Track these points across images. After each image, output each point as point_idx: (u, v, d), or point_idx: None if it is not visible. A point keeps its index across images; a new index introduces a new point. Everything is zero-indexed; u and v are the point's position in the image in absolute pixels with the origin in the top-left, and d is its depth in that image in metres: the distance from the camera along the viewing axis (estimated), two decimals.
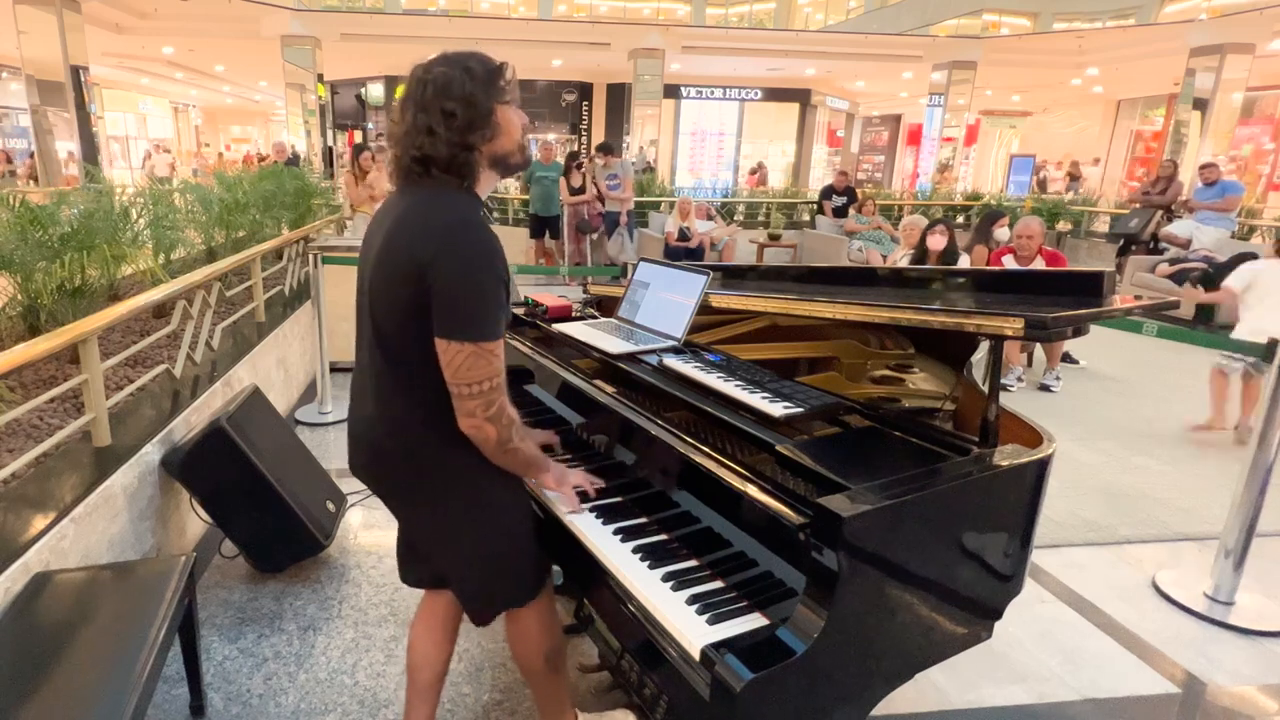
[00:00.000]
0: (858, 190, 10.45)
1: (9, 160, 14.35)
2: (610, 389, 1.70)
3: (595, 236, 8.70)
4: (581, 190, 8.48)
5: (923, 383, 1.70)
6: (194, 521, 2.62)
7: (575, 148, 17.57)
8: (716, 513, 1.37)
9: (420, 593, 1.69)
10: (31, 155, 11.84)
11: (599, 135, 18.09)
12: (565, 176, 8.60)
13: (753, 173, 18.62)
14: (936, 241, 4.84)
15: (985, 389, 1.43)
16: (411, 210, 1.28)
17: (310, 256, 4.02)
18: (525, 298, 2.34)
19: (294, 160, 9.84)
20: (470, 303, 1.22)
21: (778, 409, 1.43)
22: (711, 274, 1.92)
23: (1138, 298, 1.61)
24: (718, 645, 1.10)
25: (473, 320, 1.23)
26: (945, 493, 1.23)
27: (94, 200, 3.66)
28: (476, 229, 1.25)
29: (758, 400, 1.48)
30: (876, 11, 19.04)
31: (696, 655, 1.11)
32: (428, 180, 1.30)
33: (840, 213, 9.65)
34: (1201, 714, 2.07)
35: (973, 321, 1.34)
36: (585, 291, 2.61)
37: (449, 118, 1.24)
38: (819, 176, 17.60)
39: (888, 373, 1.77)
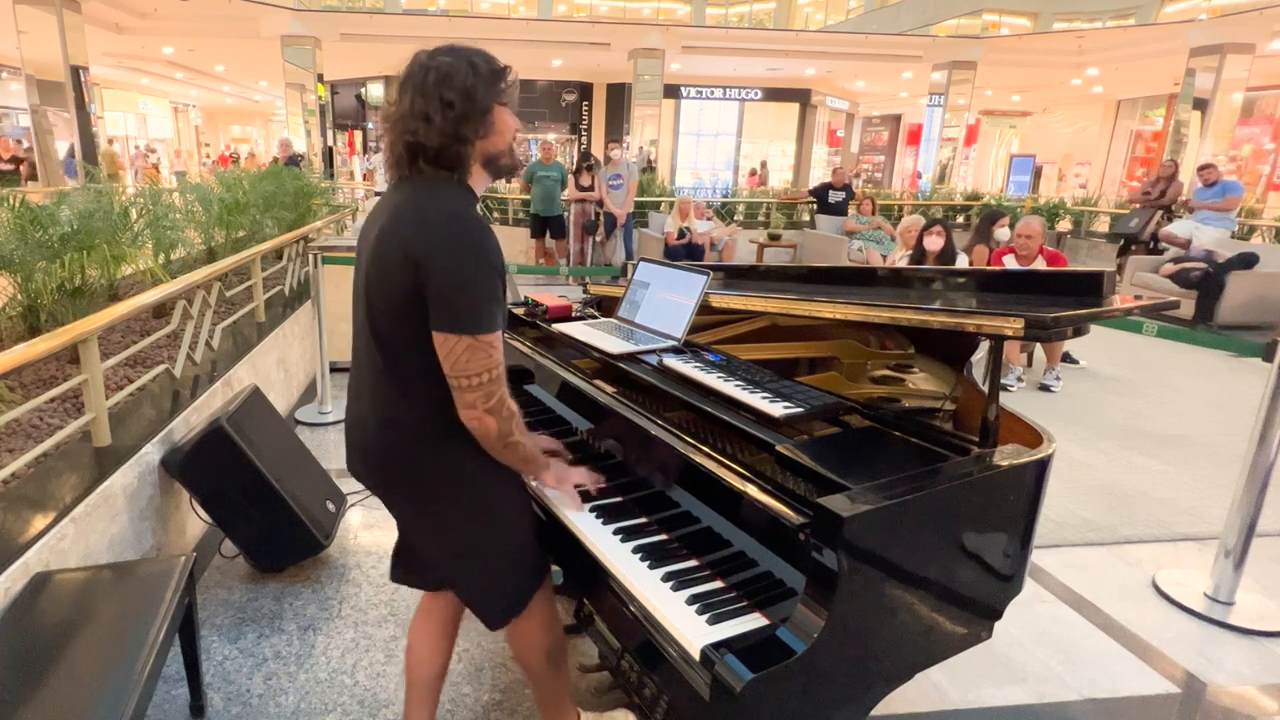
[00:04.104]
0: (857, 190, 10.46)
1: None
2: (610, 389, 1.70)
3: (601, 235, 8.72)
4: (591, 189, 8.52)
5: (923, 383, 1.69)
6: (194, 521, 2.62)
7: (579, 148, 17.59)
8: (716, 513, 1.37)
9: (419, 592, 1.69)
10: None
11: (599, 135, 18.11)
12: (575, 176, 8.63)
13: (752, 174, 18.61)
14: (934, 242, 4.83)
15: (985, 389, 1.43)
16: (406, 204, 1.28)
17: (310, 256, 4.02)
18: (525, 298, 2.34)
19: (295, 160, 9.82)
20: (466, 296, 1.22)
21: (778, 409, 1.43)
22: (711, 274, 1.92)
23: (1138, 298, 1.61)
24: (718, 645, 1.10)
25: (469, 313, 1.23)
26: (945, 493, 1.22)
27: (94, 200, 3.66)
28: (470, 222, 1.25)
29: (758, 400, 1.48)
30: (876, 11, 19.05)
31: (696, 655, 1.11)
32: (422, 174, 1.30)
33: (839, 209, 9.65)
34: (1201, 714, 2.07)
35: (973, 321, 1.34)
36: (585, 291, 2.61)
37: (447, 107, 1.24)
38: (819, 176, 17.62)
39: (888, 373, 1.77)
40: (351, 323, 1.43)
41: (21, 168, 10.34)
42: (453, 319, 1.23)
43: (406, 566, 1.63)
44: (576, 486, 1.53)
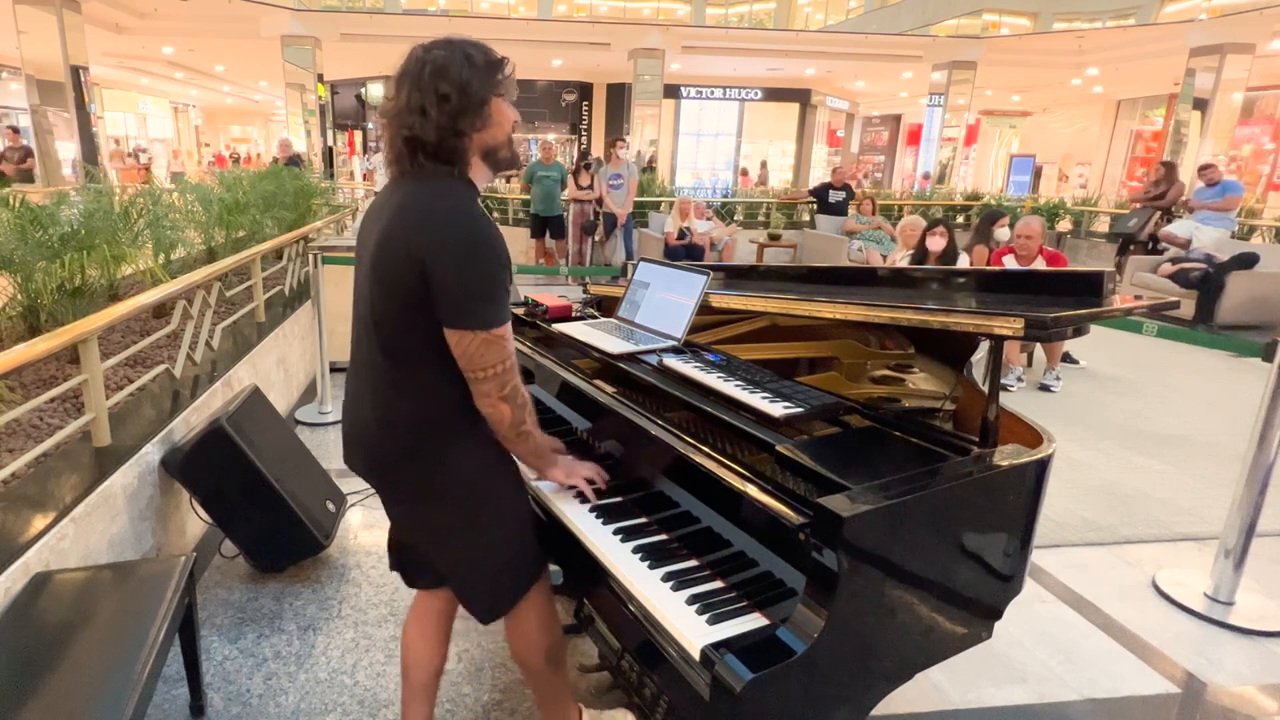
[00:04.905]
0: (857, 190, 10.46)
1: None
2: (610, 389, 1.70)
3: (600, 235, 8.70)
4: (590, 189, 8.51)
5: (923, 383, 1.70)
6: (194, 521, 2.62)
7: (579, 148, 17.59)
8: (716, 513, 1.37)
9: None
10: None
11: (599, 135, 18.12)
12: (574, 176, 8.61)
13: (744, 173, 18.68)
14: (936, 243, 4.83)
15: (985, 389, 1.43)
16: (407, 201, 1.28)
17: (310, 256, 4.02)
18: (525, 298, 2.34)
19: (295, 160, 9.79)
20: (475, 291, 1.23)
21: (778, 409, 1.43)
22: (711, 274, 1.92)
23: (1138, 298, 1.61)
24: (718, 645, 1.10)
25: (479, 308, 1.23)
26: (945, 493, 1.22)
27: (94, 200, 3.66)
28: (473, 216, 1.25)
29: (758, 400, 1.48)
30: (876, 11, 19.06)
31: (696, 655, 1.11)
32: (422, 170, 1.30)
33: (839, 209, 9.65)
34: (1201, 714, 2.07)
35: (972, 321, 1.34)
36: (585, 291, 2.61)
37: (443, 101, 1.24)
38: (819, 176, 17.64)
39: (888, 373, 1.77)
40: (352, 321, 1.43)
41: (3, 167, 9.79)
42: (464, 315, 1.23)
43: (404, 560, 1.64)
44: (586, 479, 1.53)
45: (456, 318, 1.23)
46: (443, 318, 1.24)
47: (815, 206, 10.25)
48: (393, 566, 1.66)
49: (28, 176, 9.78)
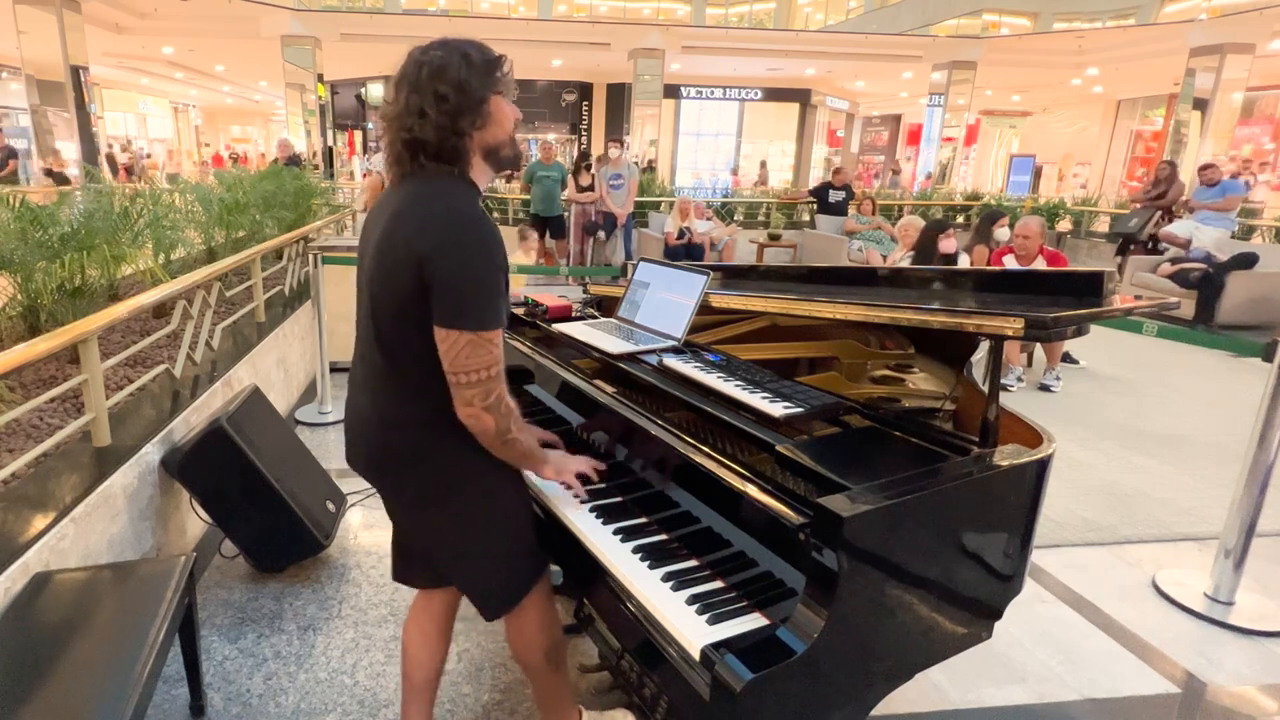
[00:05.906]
0: (857, 189, 10.46)
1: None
2: (610, 389, 1.70)
3: (602, 236, 8.71)
4: (590, 189, 8.50)
5: (923, 383, 1.69)
6: (194, 521, 2.62)
7: (579, 148, 17.62)
8: (716, 513, 1.37)
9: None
10: None
11: (599, 135, 18.13)
12: (574, 176, 8.61)
13: (734, 173, 18.75)
14: (948, 245, 4.83)
15: (985, 389, 1.43)
16: (409, 201, 1.28)
17: (310, 256, 4.02)
18: (525, 298, 2.34)
19: (294, 160, 9.77)
20: (469, 291, 1.22)
21: (778, 409, 1.43)
22: (711, 274, 1.92)
23: (1138, 298, 1.61)
24: (718, 645, 1.10)
25: (472, 308, 1.22)
26: (945, 493, 1.22)
27: (94, 200, 3.66)
28: (474, 218, 1.25)
29: (758, 400, 1.48)
30: (876, 11, 19.07)
31: (696, 655, 1.11)
32: (424, 170, 1.29)
33: (839, 209, 9.65)
34: (1201, 714, 2.07)
35: (973, 321, 1.34)
36: (585, 291, 2.61)
37: (441, 101, 1.24)
38: (819, 177, 17.66)
39: (888, 373, 1.77)
40: (355, 321, 1.43)
41: None
42: (454, 314, 1.22)
43: (406, 564, 1.64)
44: (578, 474, 1.52)
45: (447, 316, 1.22)
46: (435, 316, 1.23)
47: (815, 206, 10.25)
48: (395, 575, 1.66)
49: (10, 181, 8.87)
